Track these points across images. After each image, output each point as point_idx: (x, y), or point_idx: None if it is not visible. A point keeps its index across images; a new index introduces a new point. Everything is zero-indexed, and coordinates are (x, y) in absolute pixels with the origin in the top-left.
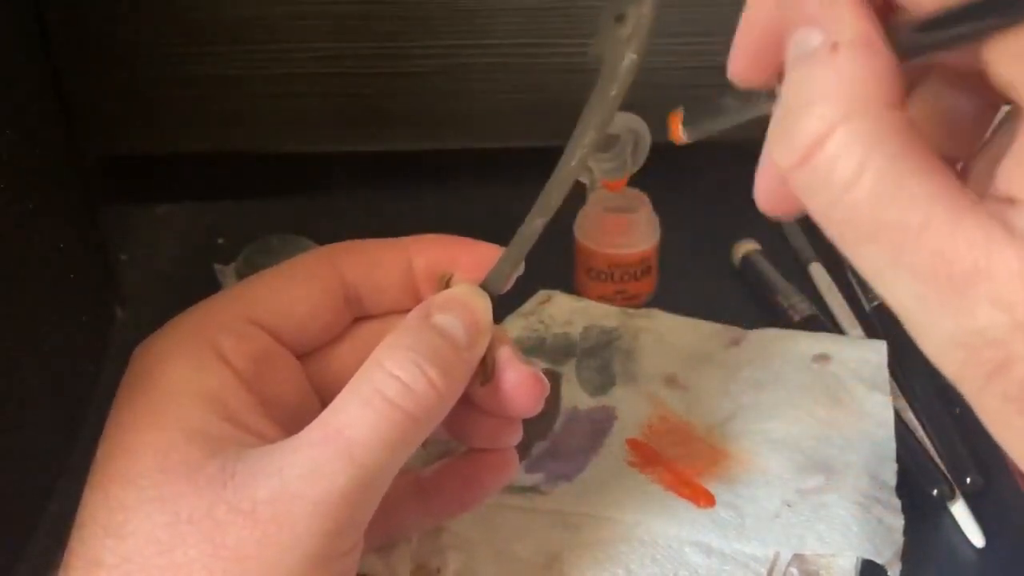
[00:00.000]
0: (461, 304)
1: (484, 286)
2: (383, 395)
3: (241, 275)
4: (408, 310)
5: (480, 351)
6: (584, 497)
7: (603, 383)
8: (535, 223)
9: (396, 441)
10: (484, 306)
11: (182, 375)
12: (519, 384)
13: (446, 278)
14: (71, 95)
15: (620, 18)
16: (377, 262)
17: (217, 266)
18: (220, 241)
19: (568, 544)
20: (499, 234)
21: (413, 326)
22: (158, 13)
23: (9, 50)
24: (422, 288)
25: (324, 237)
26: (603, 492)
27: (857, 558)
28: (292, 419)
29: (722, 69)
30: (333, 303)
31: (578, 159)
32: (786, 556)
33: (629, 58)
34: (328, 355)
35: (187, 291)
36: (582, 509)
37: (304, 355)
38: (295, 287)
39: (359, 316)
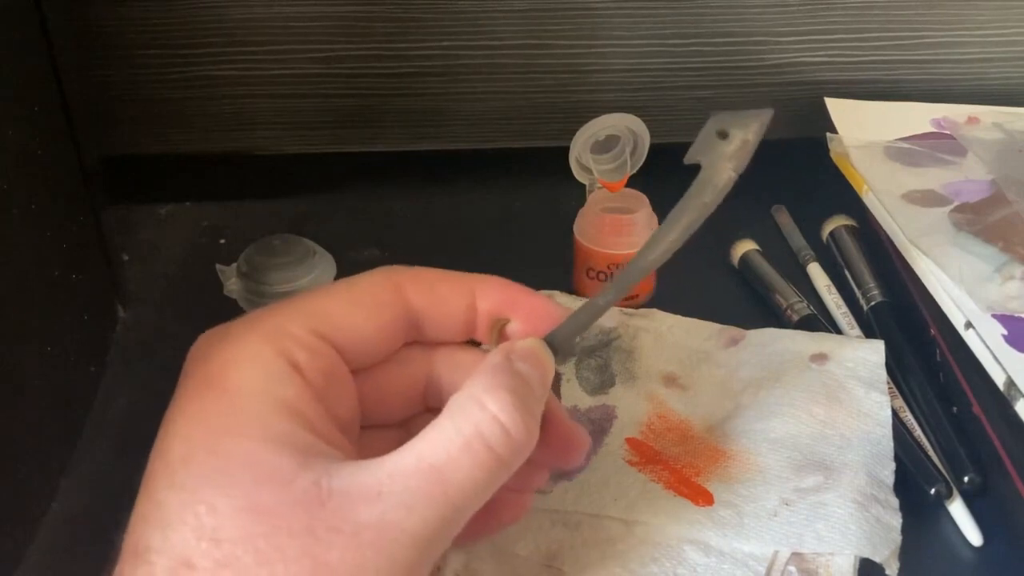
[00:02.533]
0: (536, 357)
1: (548, 342)
2: (484, 439)
3: (242, 275)
4: (459, 343)
5: (544, 404)
6: (584, 496)
7: (602, 382)
8: (608, 298)
9: (487, 486)
10: (551, 363)
11: (259, 383)
12: (568, 438)
13: (501, 324)
14: (72, 95)
15: (724, 135)
16: (444, 296)
17: (219, 266)
18: (222, 241)
19: (568, 543)
20: (499, 234)
21: (503, 369)
22: (158, 13)
23: (10, 51)
24: (480, 326)
25: (324, 237)
26: (603, 491)
27: (855, 557)
28: (345, 434)
29: (720, 71)
30: (396, 327)
31: (662, 251)
32: (784, 555)
33: (728, 174)
34: (374, 373)
35: (189, 291)
36: (582, 508)
37: (355, 371)
38: (364, 308)
39: (410, 341)
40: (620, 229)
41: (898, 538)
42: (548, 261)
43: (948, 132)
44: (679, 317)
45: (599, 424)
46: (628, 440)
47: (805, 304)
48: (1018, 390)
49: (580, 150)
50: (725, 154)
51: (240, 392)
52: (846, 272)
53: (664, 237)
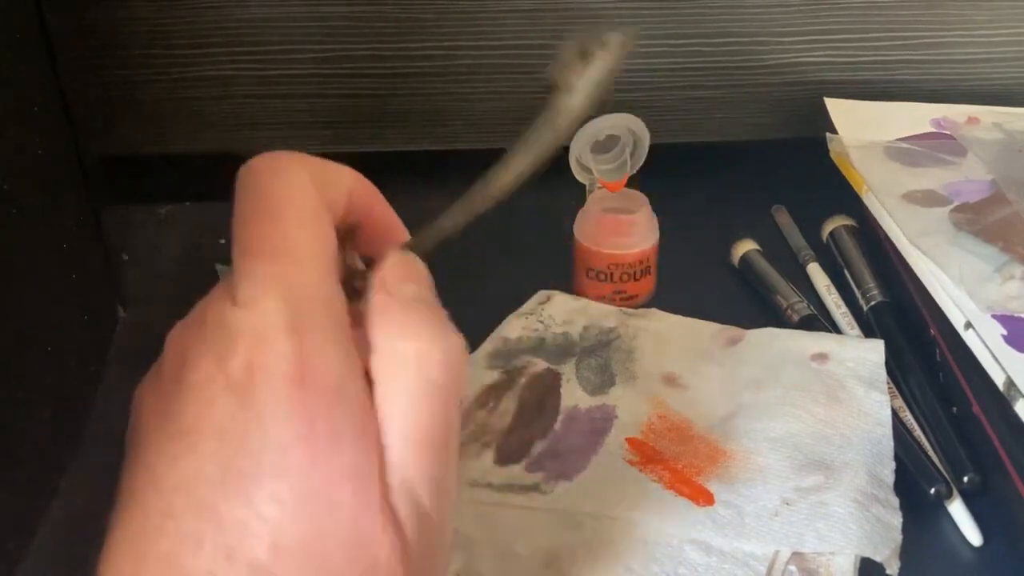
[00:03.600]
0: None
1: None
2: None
3: None
4: None
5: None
6: (584, 496)
7: (603, 382)
8: (455, 219)
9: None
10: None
11: None
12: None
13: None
14: (72, 96)
15: (585, 56)
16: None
17: (219, 266)
18: (222, 241)
19: (568, 543)
20: (500, 234)
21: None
22: (158, 13)
23: (10, 51)
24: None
25: None
26: (603, 491)
27: (856, 556)
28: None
29: (720, 71)
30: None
31: (513, 177)
32: (785, 554)
33: (584, 102)
34: None
35: (189, 291)
36: (582, 508)
37: None
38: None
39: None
40: (620, 229)
41: (899, 537)
42: (548, 261)
43: (948, 132)
44: (679, 317)
45: (599, 424)
46: (628, 440)
47: (805, 304)
48: (1018, 390)
49: (580, 150)
50: (587, 79)
51: None
52: (846, 272)
53: (515, 163)
